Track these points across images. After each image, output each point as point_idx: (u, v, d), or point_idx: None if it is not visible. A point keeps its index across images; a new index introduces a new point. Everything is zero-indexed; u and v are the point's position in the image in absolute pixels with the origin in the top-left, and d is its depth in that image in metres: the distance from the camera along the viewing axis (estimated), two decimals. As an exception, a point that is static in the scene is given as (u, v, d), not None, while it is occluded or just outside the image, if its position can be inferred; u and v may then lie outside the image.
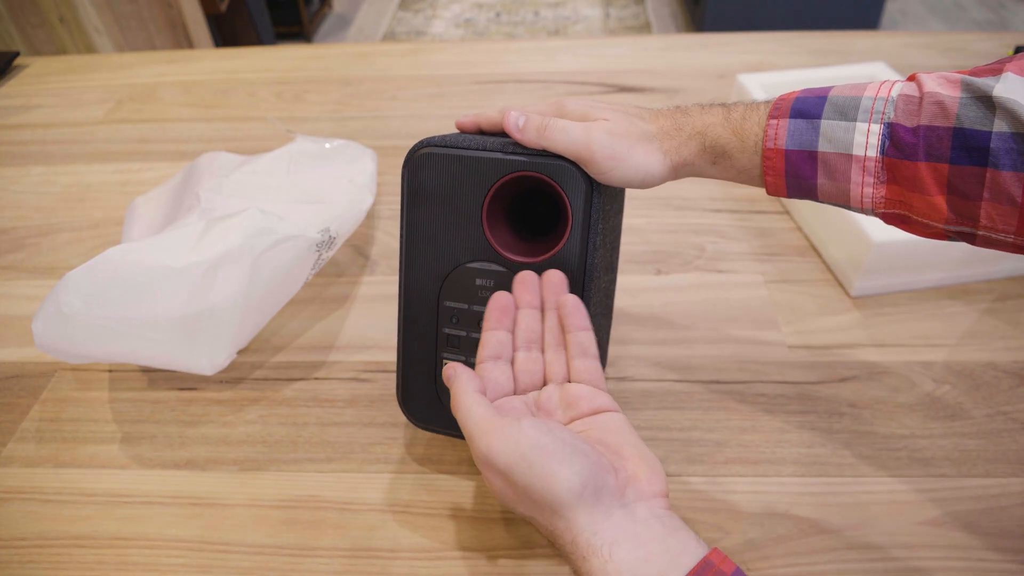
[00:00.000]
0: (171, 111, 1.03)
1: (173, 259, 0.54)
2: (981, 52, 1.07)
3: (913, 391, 0.60)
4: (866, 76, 0.89)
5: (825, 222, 0.72)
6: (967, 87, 0.36)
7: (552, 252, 0.43)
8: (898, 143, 0.37)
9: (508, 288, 0.43)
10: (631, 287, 0.70)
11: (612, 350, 0.63)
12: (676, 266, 0.73)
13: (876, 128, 0.37)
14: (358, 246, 0.77)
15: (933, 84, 0.37)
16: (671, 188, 0.83)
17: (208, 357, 0.56)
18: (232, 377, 0.63)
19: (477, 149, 0.43)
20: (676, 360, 0.63)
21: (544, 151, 0.43)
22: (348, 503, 0.53)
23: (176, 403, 0.61)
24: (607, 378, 0.61)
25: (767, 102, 0.42)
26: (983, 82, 0.35)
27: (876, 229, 0.64)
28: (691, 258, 0.74)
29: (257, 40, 2.58)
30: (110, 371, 0.64)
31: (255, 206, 0.58)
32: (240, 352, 0.65)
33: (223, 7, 2.22)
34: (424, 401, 0.51)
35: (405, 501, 0.53)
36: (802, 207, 0.76)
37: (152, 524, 0.52)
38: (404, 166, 0.45)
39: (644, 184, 0.43)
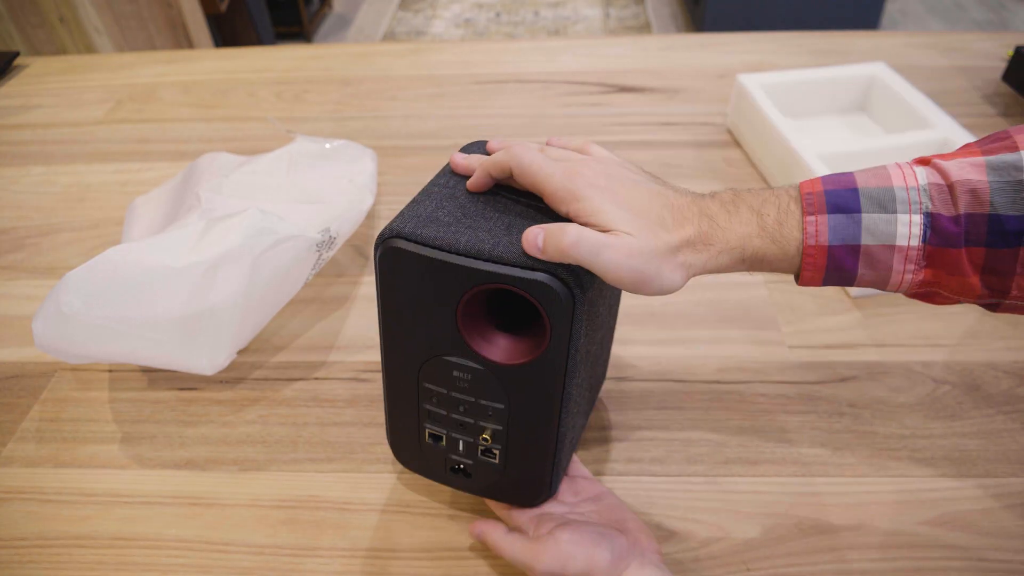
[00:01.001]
0: (171, 111, 1.03)
1: (173, 259, 0.54)
2: (981, 52, 1.07)
3: (913, 391, 0.60)
4: (866, 76, 0.89)
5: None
6: (993, 170, 0.38)
7: (531, 358, 0.41)
8: (940, 232, 0.38)
9: (487, 382, 0.43)
10: (631, 287, 0.70)
11: (613, 350, 0.63)
12: (676, 266, 0.73)
13: (917, 219, 0.38)
14: (358, 246, 0.77)
15: (959, 171, 0.38)
16: (671, 188, 0.83)
17: (208, 357, 0.56)
18: (232, 377, 0.63)
19: (448, 251, 0.39)
20: (676, 360, 0.63)
21: (524, 262, 0.38)
22: (348, 503, 0.53)
23: (176, 403, 0.61)
24: (608, 378, 0.61)
25: (793, 196, 0.40)
26: (1007, 164, 0.37)
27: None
28: (691, 258, 0.74)
29: (257, 40, 2.58)
30: (110, 371, 0.64)
31: (255, 206, 0.58)
32: (240, 352, 0.65)
33: (223, 7, 2.22)
34: (409, 451, 0.50)
35: (405, 501, 0.53)
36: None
37: (152, 524, 0.52)
38: (375, 250, 0.42)
39: (658, 295, 0.41)
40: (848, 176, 0.41)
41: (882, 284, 0.40)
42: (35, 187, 0.89)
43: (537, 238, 0.38)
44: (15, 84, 1.12)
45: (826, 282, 0.41)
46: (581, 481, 0.51)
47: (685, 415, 0.58)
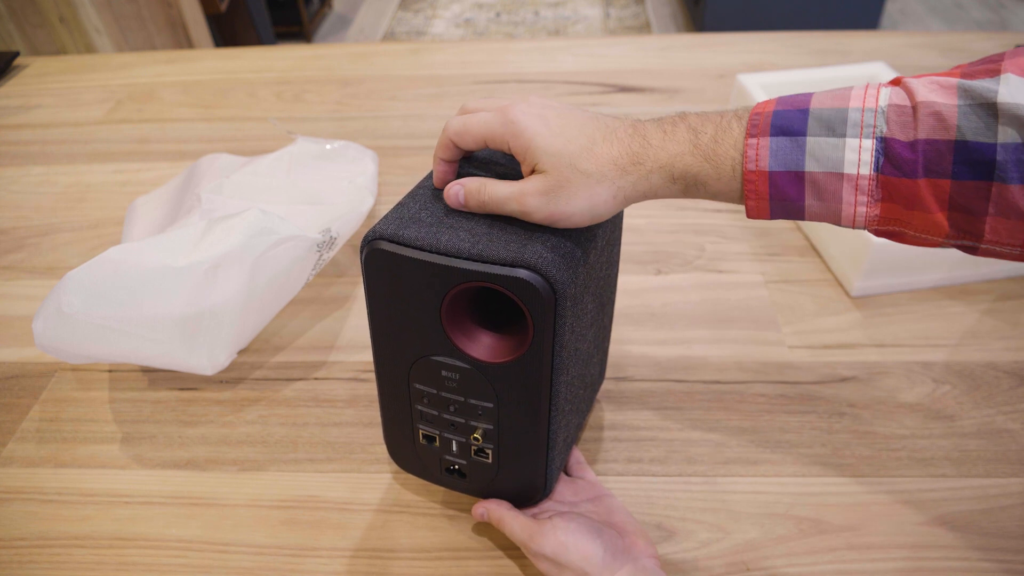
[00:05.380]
0: (171, 111, 1.03)
1: (173, 259, 0.54)
2: (981, 52, 1.07)
3: (913, 391, 0.60)
4: (866, 76, 0.89)
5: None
6: (965, 93, 0.33)
7: (516, 355, 0.41)
8: (894, 160, 0.34)
9: (475, 381, 0.43)
10: (631, 287, 0.70)
11: (612, 350, 0.63)
12: (676, 266, 0.73)
13: (868, 144, 0.34)
14: (359, 247, 0.77)
15: (926, 91, 0.34)
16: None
17: (208, 357, 0.56)
18: (232, 377, 0.63)
19: (429, 251, 0.39)
20: (676, 360, 0.63)
21: (504, 259, 0.39)
22: (348, 503, 0.53)
23: (176, 403, 0.61)
24: (608, 378, 0.61)
25: (739, 116, 0.38)
26: (982, 86, 0.33)
27: (876, 229, 0.64)
28: (691, 258, 0.74)
29: (257, 40, 2.58)
30: (110, 371, 0.64)
31: (256, 207, 0.58)
32: (240, 352, 0.65)
33: (223, 7, 2.22)
34: (405, 453, 0.51)
35: (405, 501, 0.53)
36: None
37: (152, 524, 0.52)
38: (360, 253, 0.42)
39: (592, 223, 0.41)
40: (806, 96, 0.37)
41: (834, 218, 0.37)
42: (35, 187, 0.89)
43: (458, 195, 0.41)
44: (15, 84, 1.12)
45: (774, 214, 0.38)
46: (581, 482, 0.51)
47: (685, 415, 0.58)
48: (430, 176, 0.45)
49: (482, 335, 0.43)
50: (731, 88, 0.97)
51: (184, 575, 0.49)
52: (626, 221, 0.75)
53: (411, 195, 0.44)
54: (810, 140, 0.35)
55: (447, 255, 0.39)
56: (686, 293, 0.70)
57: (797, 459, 0.55)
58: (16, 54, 1.17)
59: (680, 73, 1.06)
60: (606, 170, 0.38)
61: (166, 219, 0.68)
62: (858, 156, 0.35)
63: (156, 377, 0.63)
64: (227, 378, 0.63)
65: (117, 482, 0.55)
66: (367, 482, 0.55)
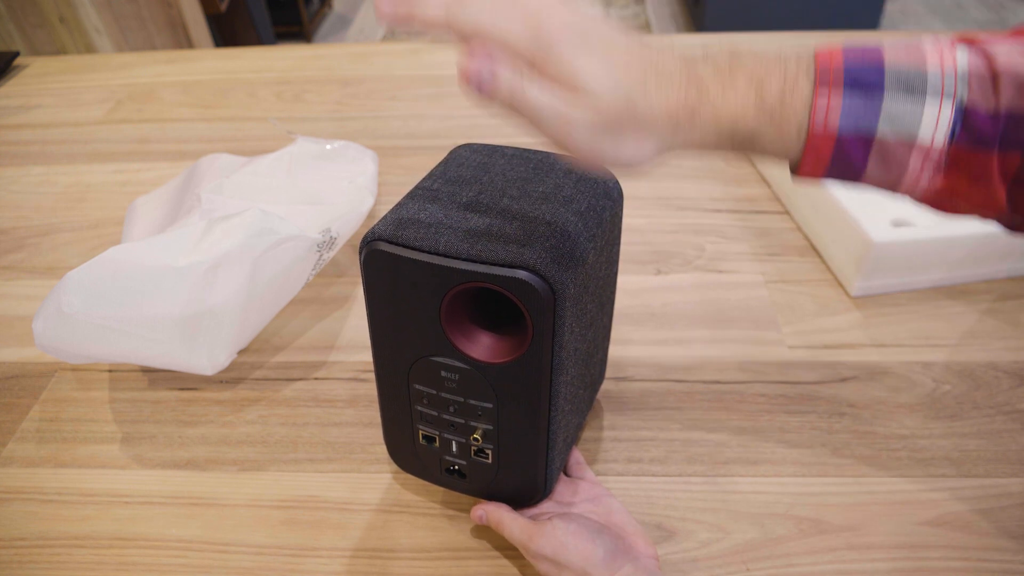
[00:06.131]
0: (171, 111, 1.03)
1: (174, 259, 0.54)
2: (981, 52, 1.07)
3: (913, 391, 0.60)
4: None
5: (825, 222, 0.72)
6: None
7: (516, 356, 0.41)
8: (973, 130, 0.31)
9: (474, 382, 0.43)
10: (631, 287, 0.70)
11: (612, 350, 0.63)
12: (676, 266, 0.73)
13: (948, 111, 0.31)
14: (358, 247, 0.77)
15: (1008, 58, 0.31)
16: (671, 188, 0.83)
17: (208, 357, 0.56)
18: (232, 377, 0.63)
19: (428, 252, 0.39)
20: (676, 360, 0.63)
21: (503, 260, 0.38)
22: (348, 503, 0.53)
23: (176, 403, 0.61)
24: (608, 378, 0.61)
25: (805, 67, 0.34)
26: None
27: (876, 229, 0.64)
28: (691, 258, 0.74)
29: (257, 40, 2.58)
30: (110, 371, 0.64)
31: (256, 206, 0.58)
32: (240, 352, 0.65)
33: (223, 7, 2.22)
34: (405, 453, 0.51)
35: (405, 501, 0.53)
36: (802, 207, 0.76)
37: (152, 524, 0.52)
38: (359, 254, 0.42)
39: (625, 171, 0.36)
40: (875, 51, 0.33)
41: (892, 186, 0.34)
42: (35, 187, 0.89)
43: (483, 76, 0.31)
44: (15, 84, 1.12)
45: (828, 175, 0.35)
46: (581, 483, 0.51)
47: (685, 415, 0.58)
48: (428, 178, 0.45)
49: (481, 335, 0.43)
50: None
51: (184, 575, 0.49)
52: (626, 221, 0.75)
53: (410, 196, 0.44)
54: (887, 102, 0.32)
55: (446, 256, 0.39)
56: (686, 293, 0.70)
57: (797, 459, 0.55)
58: (16, 54, 1.17)
59: (680, 73, 1.06)
60: (660, 122, 0.33)
61: (166, 219, 0.68)
62: (935, 123, 0.32)
63: (156, 377, 0.63)
64: (227, 378, 0.63)
65: (117, 482, 0.55)
66: (367, 482, 0.55)
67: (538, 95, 0.32)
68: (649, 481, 0.54)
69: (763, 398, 0.60)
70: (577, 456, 0.54)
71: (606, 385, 0.61)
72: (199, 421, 0.60)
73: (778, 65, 0.34)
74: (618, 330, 0.64)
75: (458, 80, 0.32)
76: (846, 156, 0.33)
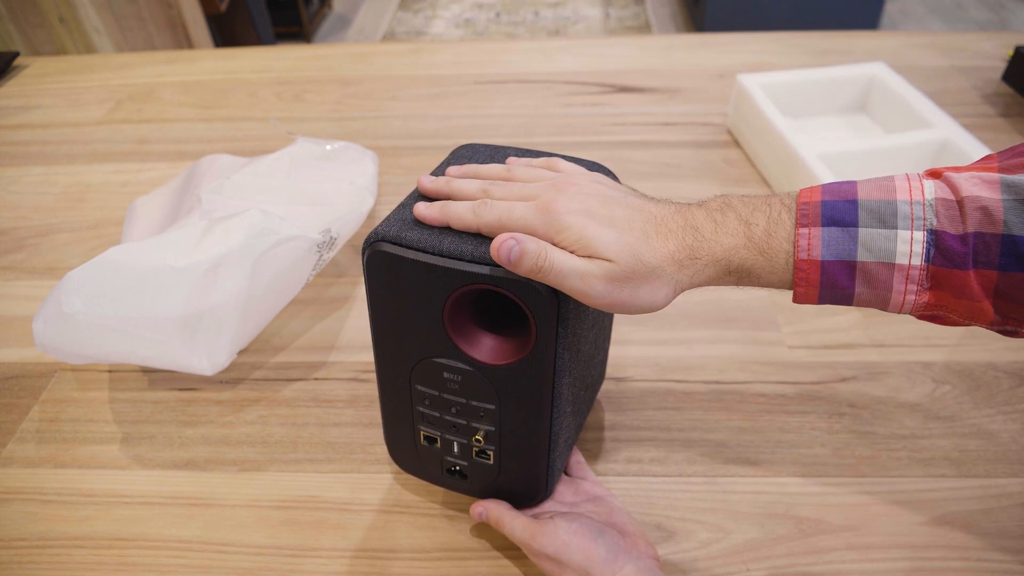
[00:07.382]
0: (171, 111, 1.03)
1: (174, 259, 0.54)
2: (981, 52, 1.07)
3: (913, 391, 0.60)
4: (866, 76, 0.89)
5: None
6: (1008, 188, 0.35)
7: (519, 358, 0.41)
8: (946, 252, 0.35)
9: (477, 383, 0.43)
10: (631, 287, 0.70)
11: (612, 350, 0.63)
12: (676, 266, 0.73)
13: (920, 236, 0.36)
14: (359, 247, 0.77)
15: (970, 187, 0.35)
16: (671, 188, 0.83)
17: (208, 357, 0.56)
18: (232, 377, 0.63)
19: (432, 253, 0.39)
20: (676, 360, 0.63)
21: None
22: (348, 503, 0.53)
23: (176, 403, 0.61)
24: (608, 378, 0.61)
25: (787, 206, 0.39)
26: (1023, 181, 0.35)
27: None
28: (691, 258, 0.74)
29: (257, 40, 2.58)
30: (110, 371, 0.64)
31: (256, 207, 0.58)
32: (240, 352, 0.65)
33: (223, 7, 2.22)
34: (406, 453, 0.51)
35: (405, 501, 0.53)
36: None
37: (152, 524, 0.52)
38: (362, 254, 0.42)
39: (646, 313, 0.41)
40: (850, 186, 0.38)
41: (882, 304, 0.38)
42: (35, 187, 0.89)
43: (511, 252, 0.37)
44: (15, 84, 1.12)
45: (822, 299, 0.39)
46: (582, 483, 0.51)
47: (685, 415, 0.58)
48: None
49: (484, 337, 0.43)
50: (731, 88, 0.97)
51: (184, 575, 0.49)
52: (626, 221, 0.75)
53: (413, 197, 0.44)
54: (862, 231, 0.36)
55: (450, 257, 0.39)
56: (686, 293, 0.69)
57: (797, 459, 0.55)
58: (16, 54, 1.17)
59: (680, 73, 1.06)
60: (666, 265, 0.38)
61: (166, 219, 0.68)
62: (910, 247, 0.36)
63: (156, 377, 0.63)
64: (227, 378, 0.63)
65: (117, 482, 0.55)
66: (367, 482, 0.55)
67: (560, 258, 0.37)
68: (649, 481, 0.54)
69: (763, 398, 0.60)
70: (578, 456, 0.54)
71: (606, 385, 0.61)
72: (199, 421, 0.60)
73: (764, 204, 0.39)
74: (618, 330, 0.64)
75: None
76: (833, 280, 0.37)
